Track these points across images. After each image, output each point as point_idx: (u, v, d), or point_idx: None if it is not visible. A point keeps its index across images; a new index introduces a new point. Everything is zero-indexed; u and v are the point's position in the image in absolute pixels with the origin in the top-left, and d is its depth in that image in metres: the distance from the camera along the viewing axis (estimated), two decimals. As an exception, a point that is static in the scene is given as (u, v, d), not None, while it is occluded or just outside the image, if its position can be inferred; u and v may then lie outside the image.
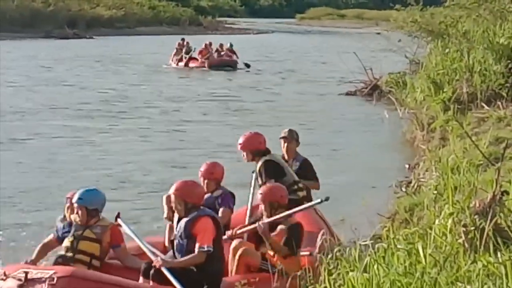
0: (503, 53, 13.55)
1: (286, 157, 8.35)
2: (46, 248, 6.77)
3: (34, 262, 6.54)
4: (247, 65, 32.07)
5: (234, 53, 33.02)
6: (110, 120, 18.28)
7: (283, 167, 7.76)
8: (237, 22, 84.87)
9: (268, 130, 13.88)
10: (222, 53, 32.75)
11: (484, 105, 12.95)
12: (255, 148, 7.71)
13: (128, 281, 6.08)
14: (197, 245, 5.92)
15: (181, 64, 31.84)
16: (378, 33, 19.96)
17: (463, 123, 11.74)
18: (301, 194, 7.65)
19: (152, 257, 6.37)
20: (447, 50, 15.37)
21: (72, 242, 6.45)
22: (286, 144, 8.35)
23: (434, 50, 16.82)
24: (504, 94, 12.98)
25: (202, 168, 7.50)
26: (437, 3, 20.36)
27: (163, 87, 25.45)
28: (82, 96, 22.32)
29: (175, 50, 33.13)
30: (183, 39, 33.90)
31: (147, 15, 65.30)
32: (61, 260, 6.33)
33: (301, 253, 6.78)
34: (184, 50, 32.18)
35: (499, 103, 12.81)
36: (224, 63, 31.62)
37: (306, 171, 8.38)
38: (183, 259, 6.00)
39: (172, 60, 32.65)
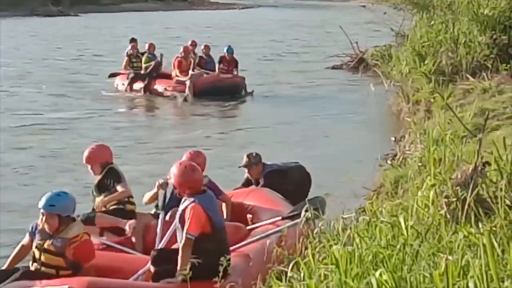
0: (488, 24, 13.55)
1: (252, 180, 8.42)
2: (24, 250, 6.18)
3: (9, 268, 6.07)
4: (250, 93, 18.09)
5: (236, 63, 18.05)
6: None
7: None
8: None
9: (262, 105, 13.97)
10: (222, 65, 17.81)
11: (469, 76, 12.96)
12: (104, 160, 7.27)
13: (147, 283, 5.91)
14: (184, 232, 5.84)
15: (138, 86, 17.68)
16: (363, 6, 19.83)
17: (448, 96, 11.78)
18: (130, 207, 7.33)
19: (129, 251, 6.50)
20: (432, 22, 15.34)
21: (35, 253, 5.95)
22: (250, 171, 8.39)
23: (419, 22, 16.78)
24: (489, 65, 12.97)
25: (184, 157, 7.44)
26: (423, -25, 20.31)
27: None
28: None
29: (126, 59, 18.62)
30: (133, 40, 19.45)
31: (132, -9, 64.82)
32: (30, 274, 5.85)
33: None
34: (144, 58, 18.05)
35: (484, 74, 12.81)
36: (224, 86, 17.33)
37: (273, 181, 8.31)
38: (181, 261, 5.73)
39: (122, 76, 18.48)
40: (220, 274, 5.09)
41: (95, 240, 6.86)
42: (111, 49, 28.72)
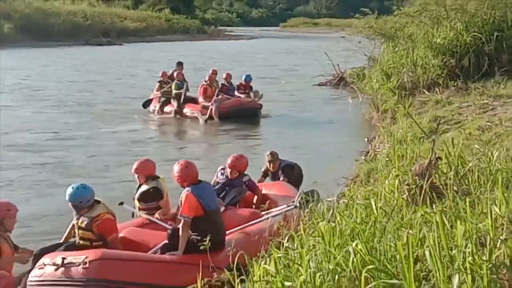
0: (440, 50, 13.53)
1: (269, 171, 8.55)
2: (73, 228, 6.20)
3: (64, 241, 6.15)
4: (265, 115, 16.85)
5: (251, 88, 16.78)
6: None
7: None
8: (234, 30, 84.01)
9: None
10: (239, 90, 16.61)
11: (425, 91, 12.96)
12: (148, 173, 7.15)
13: (152, 255, 5.79)
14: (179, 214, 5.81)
15: (168, 109, 16.27)
16: (343, 37, 19.68)
17: (409, 106, 11.76)
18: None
19: (166, 226, 6.39)
20: (396, 49, 15.32)
21: (75, 230, 6.06)
22: (272, 164, 8.49)
23: (386, 49, 16.76)
24: (441, 82, 13.00)
25: (228, 161, 7.58)
26: (388, 12, 20.20)
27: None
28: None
29: (157, 84, 16.88)
30: (180, 64, 17.59)
31: (164, 26, 64.62)
32: (71, 247, 5.89)
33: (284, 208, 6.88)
34: (173, 85, 16.23)
35: (436, 89, 12.83)
36: (244, 109, 15.93)
37: (288, 173, 8.47)
38: (181, 238, 5.68)
39: (154, 101, 16.78)
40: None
41: (144, 216, 6.86)
42: (138, 72, 28.24)
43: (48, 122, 15.54)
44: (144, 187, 7.08)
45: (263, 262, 4.16)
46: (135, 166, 7.13)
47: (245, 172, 7.67)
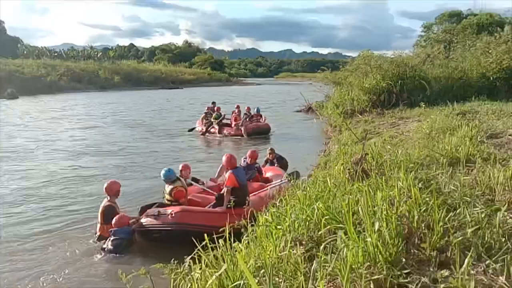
0: (367, 91, 13.51)
1: (269, 160, 8.41)
2: None
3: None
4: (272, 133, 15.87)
5: (261, 116, 16.20)
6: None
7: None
8: (247, 80, 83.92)
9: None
10: (253, 118, 15.77)
11: (358, 115, 12.91)
12: (189, 173, 6.78)
13: (208, 209, 5.74)
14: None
15: (212, 130, 15.20)
16: (311, 84, 19.66)
17: (349, 123, 11.71)
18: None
19: (213, 192, 6.38)
20: (342, 90, 15.31)
21: (164, 195, 6.09)
22: (271, 155, 8.43)
23: (336, 91, 16.72)
24: (367, 110, 12.96)
25: (248, 153, 7.56)
26: (337, 69, 20.14)
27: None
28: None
29: (203, 114, 16.02)
30: (213, 103, 17.29)
31: (207, 77, 64.62)
32: (161, 204, 5.88)
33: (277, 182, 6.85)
34: (214, 115, 15.42)
35: (365, 113, 12.78)
36: (261, 129, 15.31)
37: (280, 162, 8.39)
38: (225, 200, 5.68)
39: (200, 124, 15.82)
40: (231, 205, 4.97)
41: (199, 187, 6.74)
42: (191, 104, 27.66)
43: (123, 136, 15.00)
44: (188, 181, 7.00)
45: (264, 215, 4.16)
46: (181, 167, 6.91)
47: (257, 161, 7.67)
